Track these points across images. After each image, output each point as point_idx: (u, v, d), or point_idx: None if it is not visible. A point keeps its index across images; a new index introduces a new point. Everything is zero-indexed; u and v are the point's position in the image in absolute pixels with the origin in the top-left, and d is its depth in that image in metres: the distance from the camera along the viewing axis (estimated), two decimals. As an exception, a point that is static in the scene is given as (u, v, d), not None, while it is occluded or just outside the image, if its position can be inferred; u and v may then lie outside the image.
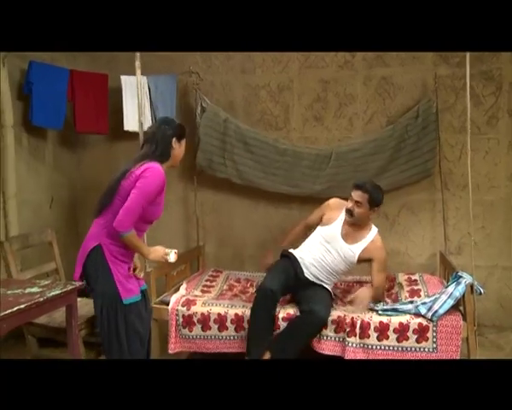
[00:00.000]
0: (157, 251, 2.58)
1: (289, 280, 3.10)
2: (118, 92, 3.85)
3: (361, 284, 3.65)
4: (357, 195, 3.05)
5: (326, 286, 3.17)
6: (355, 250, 3.12)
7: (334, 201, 3.29)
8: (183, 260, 3.86)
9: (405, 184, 3.86)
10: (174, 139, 2.55)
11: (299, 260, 3.19)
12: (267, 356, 2.91)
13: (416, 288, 3.34)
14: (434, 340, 2.82)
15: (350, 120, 4.03)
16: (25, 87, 3.55)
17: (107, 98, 4.01)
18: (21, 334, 2.87)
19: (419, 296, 3.18)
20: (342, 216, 3.17)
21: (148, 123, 3.87)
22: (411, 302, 3.00)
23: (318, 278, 3.16)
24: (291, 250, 3.29)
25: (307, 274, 3.16)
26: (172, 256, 2.59)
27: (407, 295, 3.24)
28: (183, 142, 2.61)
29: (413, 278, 3.56)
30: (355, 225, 3.14)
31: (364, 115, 4.01)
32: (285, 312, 3.02)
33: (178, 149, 2.59)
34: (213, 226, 4.33)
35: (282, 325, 2.97)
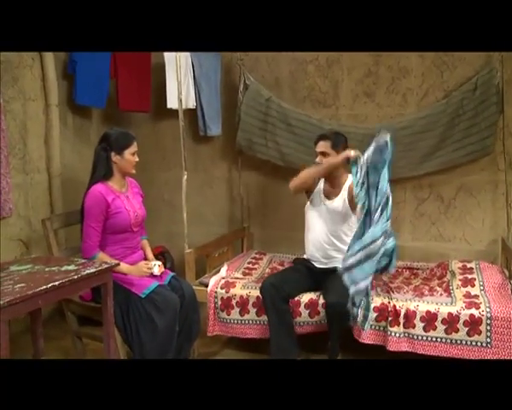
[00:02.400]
0: (139, 267, 2.75)
1: (301, 278, 3.01)
2: (162, 70, 3.80)
3: (411, 269, 3.45)
4: (320, 146, 2.98)
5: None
6: (341, 201, 2.98)
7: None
8: (226, 241, 3.79)
9: (460, 163, 3.56)
10: (113, 154, 2.69)
11: (309, 258, 3.10)
12: None
13: (470, 277, 3.08)
14: (489, 334, 2.59)
15: (403, 96, 3.75)
16: (69, 66, 3.57)
17: (150, 76, 3.97)
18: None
19: (473, 286, 2.93)
20: (319, 183, 3.10)
21: (192, 101, 3.82)
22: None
23: (330, 259, 3.00)
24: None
25: (321, 265, 3.03)
26: (156, 269, 2.78)
27: (459, 283, 3.00)
28: (128, 151, 2.71)
29: (468, 266, 3.29)
30: (332, 181, 3.03)
31: (419, 90, 3.71)
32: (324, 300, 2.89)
33: (121, 160, 2.71)
34: (258, 208, 4.21)
35: (322, 311, 2.86)
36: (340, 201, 2.99)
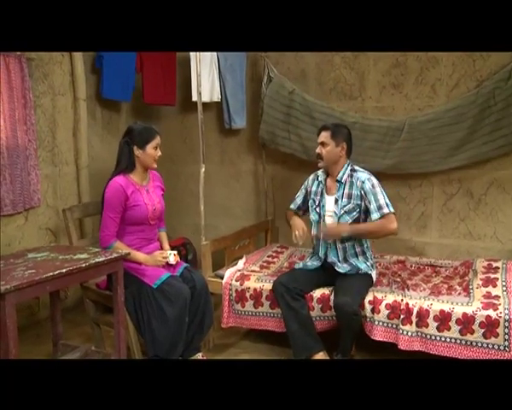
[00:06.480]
0: (154, 256, 2.81)
1: (312, 274, 2.96)
2: (188, 63, 3.82)
3: (434, 267, 3.31)
4: (320, 136, 2.95)
5: (358, 264, 2.89)
6: (340, 195, 2.91)
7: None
8: (246, 234, 3.78)
9: (491, 157, 3.36)
10: (135, 148, 2.74)
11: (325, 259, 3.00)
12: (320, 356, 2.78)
13: (492, 276, 2.92)
14: (507, 337, 2.44)
15: (432, 87, 3.58)
16: (96, 61, 3.68)
17: (176, 69, 4.02)
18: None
19: (494, 286, 2.78)
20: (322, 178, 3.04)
21: (216, 93, 3.84)
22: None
23: (345, 260, 2.91)
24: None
25: (339, 268, 2.91)
26: (172, 258, 2.81)
27: (480, 283, 2.85)
28: (150, 145, 2.74)
29: (494, 265, 3.12)
30: (332, 174, 2.96)
31: (450, 80, 3.54)
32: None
33: (143, 154, 2.75)
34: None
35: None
36: (338, 195, 2.92)
